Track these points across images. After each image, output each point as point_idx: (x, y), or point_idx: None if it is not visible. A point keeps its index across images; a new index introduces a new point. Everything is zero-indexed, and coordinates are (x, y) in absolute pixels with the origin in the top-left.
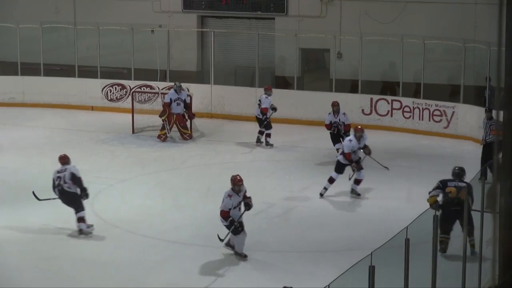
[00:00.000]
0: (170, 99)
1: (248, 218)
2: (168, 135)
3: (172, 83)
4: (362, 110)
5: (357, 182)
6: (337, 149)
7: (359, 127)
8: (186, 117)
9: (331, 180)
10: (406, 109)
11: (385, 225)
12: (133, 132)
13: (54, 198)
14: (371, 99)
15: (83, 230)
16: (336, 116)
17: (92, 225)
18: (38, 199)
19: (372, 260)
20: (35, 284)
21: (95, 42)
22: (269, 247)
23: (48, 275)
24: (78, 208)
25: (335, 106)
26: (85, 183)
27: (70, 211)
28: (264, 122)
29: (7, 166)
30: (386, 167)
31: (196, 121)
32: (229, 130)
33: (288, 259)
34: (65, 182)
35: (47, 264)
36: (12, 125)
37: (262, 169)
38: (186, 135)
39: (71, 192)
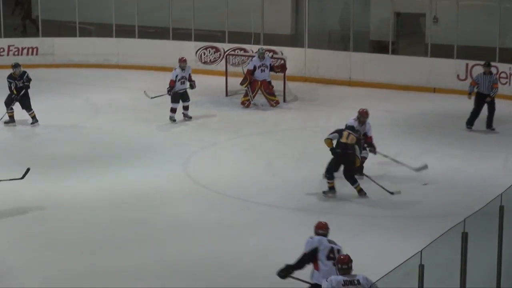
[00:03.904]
0: (254, 66)
1: (342, 184)
2: (251, 101)
3: (266, 47)
4: (458, 75)
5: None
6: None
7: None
8: (272, 84)
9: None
10: (503, 75)
11: (480, 192)
12: (226, 95)
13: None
14: (467, 64)
15: None
16: (361, 126)
17: None
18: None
19: (465, 226)
20: (127, 246)
21: (190, 4)
22: (362, 212)
23: (140, 237)
24: None
25: (364, 116)
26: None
27: (159, 173)
28: (166, 94)
29: (102, 127)
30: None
31: (290, 84)
32: (323, 94)
33: (381, 223)
34: None
35: (139, 226)
36: (107, 87)
37: None
38: (273, 101)
39: None
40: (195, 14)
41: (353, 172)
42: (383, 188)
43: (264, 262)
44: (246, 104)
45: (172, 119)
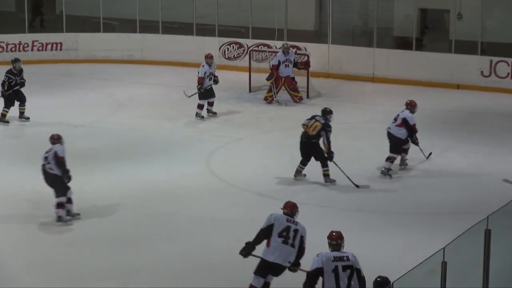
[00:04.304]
0: (278, 61)
1: (366, 181)
2: (274, 98)
3: (289, 42)
4: (481, 72)
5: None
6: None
7: None
8: (295, 80)
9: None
10: None
11: (503, 189)
12: (250, 91)
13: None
14: (491, 61)
15: (62, 217)
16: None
17: (78, 214)
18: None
19: (488, 223)
20: (149, 241)
21: (214, 0)
22: (385, 208)
23: (163, 231)
24: (58, 192)
25: (414, 106)
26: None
27: (182, 169)
28: (198, 92)
29: (125, 122)
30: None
31: (313, 81)
32: (346, 91)
33: (403, 220)
34: (48, 163)
35: (161, 221)
36: (130, 82)
37: (377, 130)
38: (297, 97)
39: (52, 173)
40: (218, 10)
41: (322, 156)
42: (350, 179)
43: None
44: (268, 100)
45: (200, 116)
